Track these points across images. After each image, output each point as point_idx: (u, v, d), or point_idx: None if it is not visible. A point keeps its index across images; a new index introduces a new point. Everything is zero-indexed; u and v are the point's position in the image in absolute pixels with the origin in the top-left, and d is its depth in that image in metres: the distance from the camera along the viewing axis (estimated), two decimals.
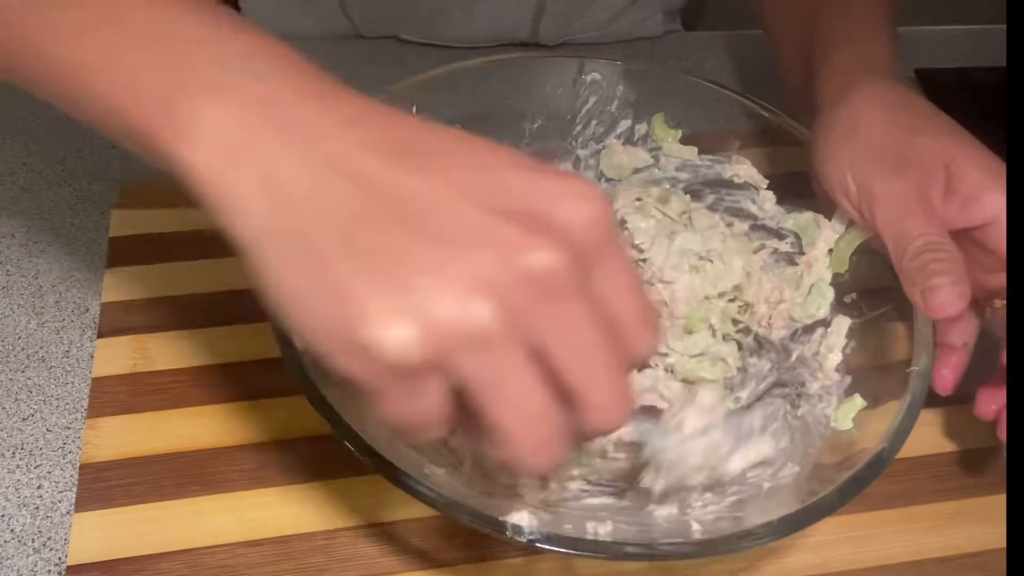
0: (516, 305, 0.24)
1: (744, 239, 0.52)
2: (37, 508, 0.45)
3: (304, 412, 0.45)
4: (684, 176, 0.55)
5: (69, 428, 0.48)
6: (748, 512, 0.40)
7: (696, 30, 0.83)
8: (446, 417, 0.26)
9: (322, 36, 0.74)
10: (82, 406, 0.49)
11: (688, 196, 0.54)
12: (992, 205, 0.41)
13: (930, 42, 0.79)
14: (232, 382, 0.50)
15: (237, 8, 0.73)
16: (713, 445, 0.40)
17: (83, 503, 0.44)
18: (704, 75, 0.54)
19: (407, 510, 0.45)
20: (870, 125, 0.44)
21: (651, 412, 0.44)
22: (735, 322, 0.50)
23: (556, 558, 0.44)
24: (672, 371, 0.48)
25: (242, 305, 0.53)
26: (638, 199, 0.54)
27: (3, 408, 0.49)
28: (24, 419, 0.48)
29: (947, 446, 0.51)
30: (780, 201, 0.52)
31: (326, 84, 0.28)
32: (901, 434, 0.38)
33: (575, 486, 0.44)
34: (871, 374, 0.45)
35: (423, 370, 0.25)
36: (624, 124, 0.55)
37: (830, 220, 0.48)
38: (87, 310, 0.53)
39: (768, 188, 0.53)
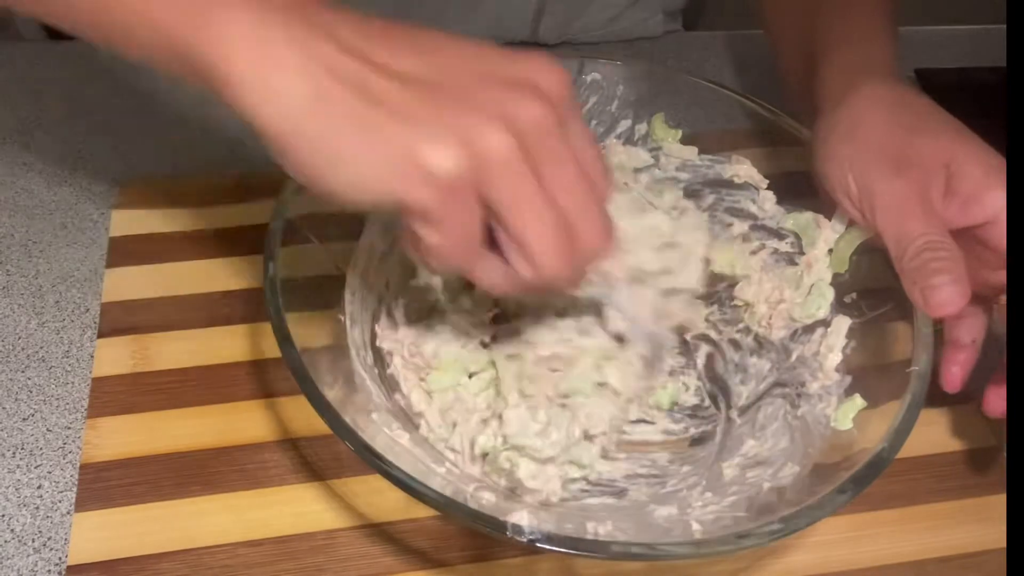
0: (526, 139, 0.30)
1: (734, 249, 0.52)
2: (37, 508, 0.45)
3: (304, 412, 0.45)
4: (684, 176, 0.55)
5: (69, 428, 0.48)
6: (748, 512, 0.40)
7: (696, 30, 0.83)
8: (480, 238, 0.32)
9: None
10: (82, 406, 0.49)
11: (681, 192, 0.54)
12: (993, 203, 0.40)
13: (930, 42, 0.79)
14: (232, 382, 0.50)
15: None
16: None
17: (83, 503, 0.44)
18: (704, 75, 0.54)
19: (407, 510, 0.45)
20: (871, 125, 0.44)
21: None
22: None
23: (556, 558, 0.44)
24: None
25: (242, 305, 0.53)
26: (625, 183, 0.54)
27: (3, 408, 0.49)
28: (24, 419, 0.48)
29: (947, 446, 0.51)
30: (780, 201, 0.52)
31: (331, 3, 0.32)
32: (901, 434, 0.38)
33: (575, 487, 0.44)
34: (871, 374, 0.45)
35: (467, 186, 0.30)
36: (624, 124, 0.55)
37: (830, 220, 0.48)
38: (87, 310, 0.53)
39: (768, 188, 0.53)
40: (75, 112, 0.66)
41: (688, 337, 0.52)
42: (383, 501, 0.45)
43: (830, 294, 0.48)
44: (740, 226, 0.53)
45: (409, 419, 0.45)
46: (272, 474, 0.46)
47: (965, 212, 0.41)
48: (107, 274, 0.54)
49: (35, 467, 0.46)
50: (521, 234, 0.31)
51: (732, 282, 0.53)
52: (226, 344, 0.51)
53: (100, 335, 0.51)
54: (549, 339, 0.46)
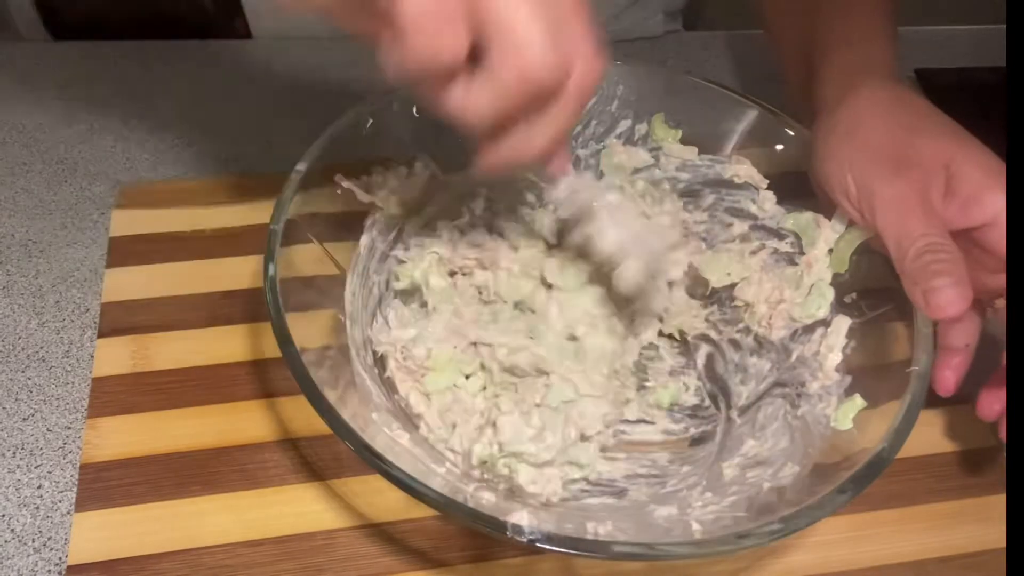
0: None
1: (723, 259, 0.53)
2: (37, 508, 0.45)
3: (304, 412, 0.45)
4: (684, 176, 0.55)
5: (69, 428, 0.48)
6: (748, 512, 0.40)
7: (696, 30, 0.83)
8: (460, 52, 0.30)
9: (323, 36, 0.74)
10: (82, 406, 0.49)
11: (681, 202, 0.54)
12: (992, 205, 0.40)
13: (930, 42, 0.79)
14: (232, 382, 0.50)
15: (239, 8, 0.73)
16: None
17: (83, 503, 0.44)
18: (704, 75, 0.54)
19: (407, 510, 0.45)
20: (870, 126, 0.44)
21: None
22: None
23: (556, 558, 0.44)
24: None
25: (242, 305, 0.53)
26: (621, 186, 0.54)
27: (3, 408, 0.49)
28: (24, 419, 0.48)
29: (947, 446, 0.51)
30: (780, 201, 0.52)
31: None
32: (901, 434, 0.38)
33: (575, 487, 0.44)
34: (871, 374, 0.45)
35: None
36: (624, 124, 0.55)
37: (830, 220, 0.48)
38: (87, 310, 0.53)
39: (768, 188, 0.53)
40: (75, 112, 0.66)
41: (689, 337, 0.52)
42: (383, 501, 0.45)
43: (830, 294, 0.48)
44: (740, 226, 0.53)
45: (409, 419, 0.46)
46: (272, 474, 0.46)
47: (965, 213, 0.41)
48: (107, 274, 0.54)
49: (35, 467, 0.46)
50: (512, 16, 0.29)
51: (732, 282, 0.53)
52: (226, 344, 0.51)
53: (100, 335, 0.51)
54: (504, 342, 0.46)
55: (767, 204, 0.52)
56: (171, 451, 0.47)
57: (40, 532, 0.44)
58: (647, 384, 0.50)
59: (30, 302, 0.54)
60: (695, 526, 0.39)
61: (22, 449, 0.47)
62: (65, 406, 0.49)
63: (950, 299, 0.39)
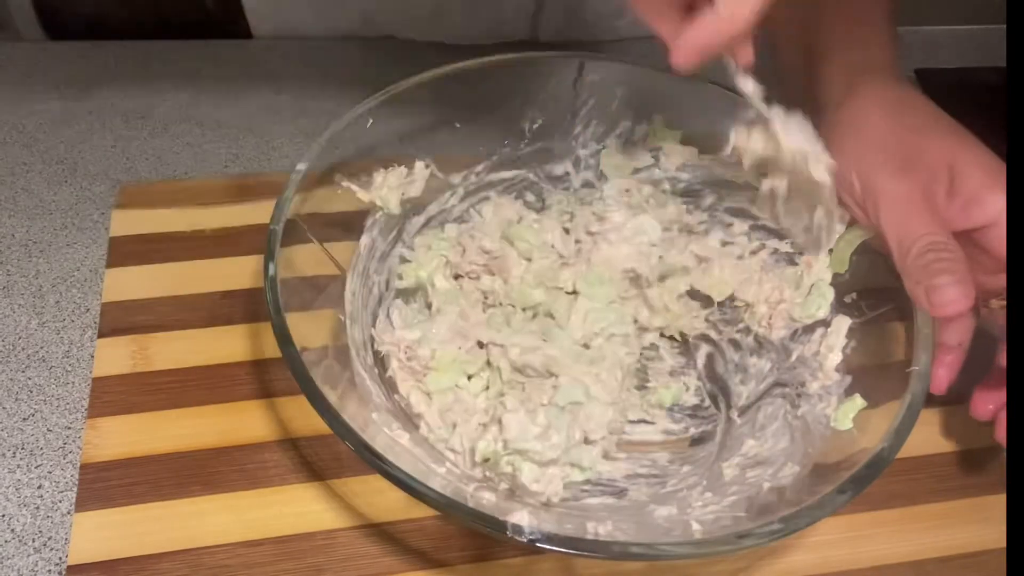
0: None
1: (715, 274, 0.53)
2: (38, 508, 0.45)
3: (304, 412, 0.45)
4: (684, 176, 0.55)
5: (69, 428, 0.48)
6: (748, 512, 0.40)
7: None
8: None
9: (322, 36, 0.74)
10: (82, 406, 0.49)
11: (684, 207, 0.54)
12: (993, 206, 0.40)
13: (930, 42, 0.79)
14: (232, 382, 0.50)
15: (239, 7, 0.73)
16: None
17: (83, 503, 0.44)
18: (704, 75, 0.54)
19: (407, 510, 0.45)
20: (875, 125, 0.44)
21: None
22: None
23: (556, 558, 0.44)
24: None
25: (242, 305, 0.53)
26: (627, 190, 0.54)
27: (4, 408, 0.49)
28: (24, 419, 0.48)
29: (947, 446, 0.51)
30: None
31: None
32: (901, 434, 0.38)
33: (576, 487, 0.44)
34: (871, 374, 0.45)
35: None
36: (624, 124, 0.55)
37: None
38: (87, 310, 0.53)
39: None
40: (75, 112, 0.66)
41: (689, 338, 0.52)
42: (383, 501, 0.45)
43: (830, 294, 0.48)
44: (740, 226, 0.53)
45: (409, 419, 0.46)
46: (272, 474, 0.46)
47: (966, 214, 0.41)
48: (107, 274, 0.54)
49: (35, 467, 0.46)
50: None
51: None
52: (226, 344, 0.51)
53: (100, 335, 0.51)
54: (517, 342, 0.46)
55: None
56: (171, 451, 0.47)
57: (40, 532, 0.44)
58: (648, 384, 0.50)
59: (30, 302, 0.54)
60: (695, 526, 0.39)
61: (22, 449, 0.47)
62: (65, 406, 0.49)
63: (953, 297, 0.39)
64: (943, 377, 0.44)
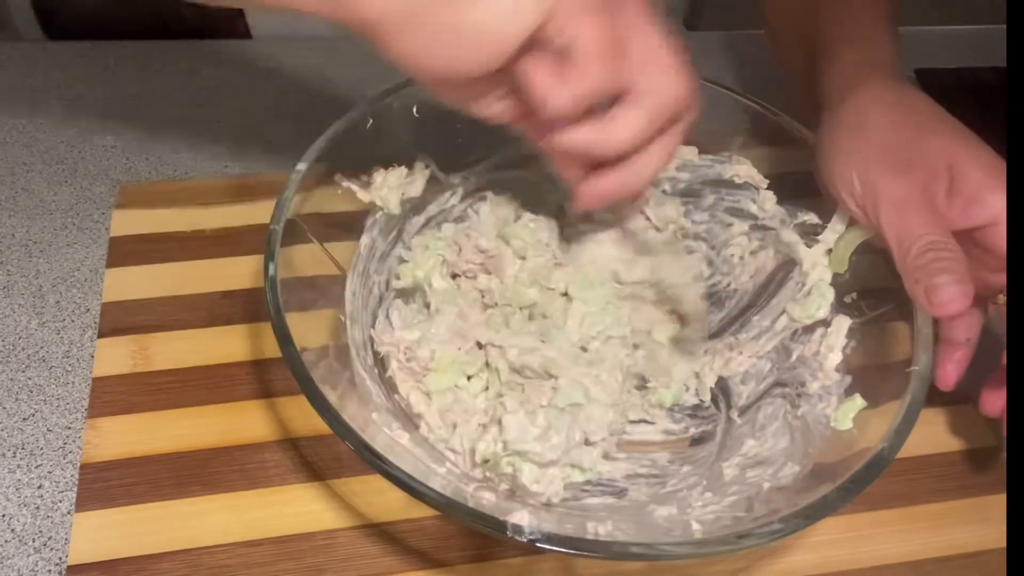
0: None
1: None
2: (38, 508, 0.45)
3: (304, 412, 0.45)
4: (684, 176, 0.55)
5: (69, 428, 0.48)
6: (748, 512, 0.40)
7: (696, 30, 0.83)
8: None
9: (322, 36, 0.74)
10: (82, 406, 0.49)
11: (683, 208, 0.54)
12: (994, 205, 0.40)
13: (930, 42, 0.79)
14: (232, 382, 0.50)
15: (239, 8, 0.73)
16: None
17: (83, 503, 0.44)
18: (704, 75, 0.54)
19: (407, 510, 0.45)
20: (875, 124, 0.44)
21: None
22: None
23: (556, 558, 0.44)
24: None
25: (242, 305, 0.53)
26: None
27: (4, 408, 0.49)
28: (25, 419, 0.48)
29: (947, 446, 0.51)
30: (780, 201, 0.52)
31: None
32: (901, 434, 0.38)
33: (576, 487, 0.44)
34: (871, 374, 0.45)
35: (545, 27, 0.33)
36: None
37: (830, 220, 0.48)
38: (87, 310, 0.53)
39: (768, 188, 0.53)
40: (75, 112, 0.66)
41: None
42: (383, 501, 0.45)
43: (830, 294, 0.48)
44: (740, 226, 0.53)
45: (409, 419, 0.46)
46: (272, 474, 0.46)
47: (966, 213, 0.41)
48: (107, 274, 0.54)
49: (35, 467, 0.46)
50: (660, 50, 0.36)
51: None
52: (226, 344, 0.51)
53: (100, 335, 0.51)
54: (515, 343, 0.46)
55: (767, 204, 0.52)
56: (171, 451, 0.47)
57: (40, 532, 0.44)
58: (648, 384, 0.50)
59: (30, 302, 0.54)
60: (695, 526, 0.39)
61: (22, 449, 0.47)
62: (65, 406, 0.49)
63: (952, 296, 0.39)
64: (951, 373, 0.44)
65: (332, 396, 0.37)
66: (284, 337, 0.38)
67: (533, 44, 0.34)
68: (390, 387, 0.46)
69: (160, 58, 0.71)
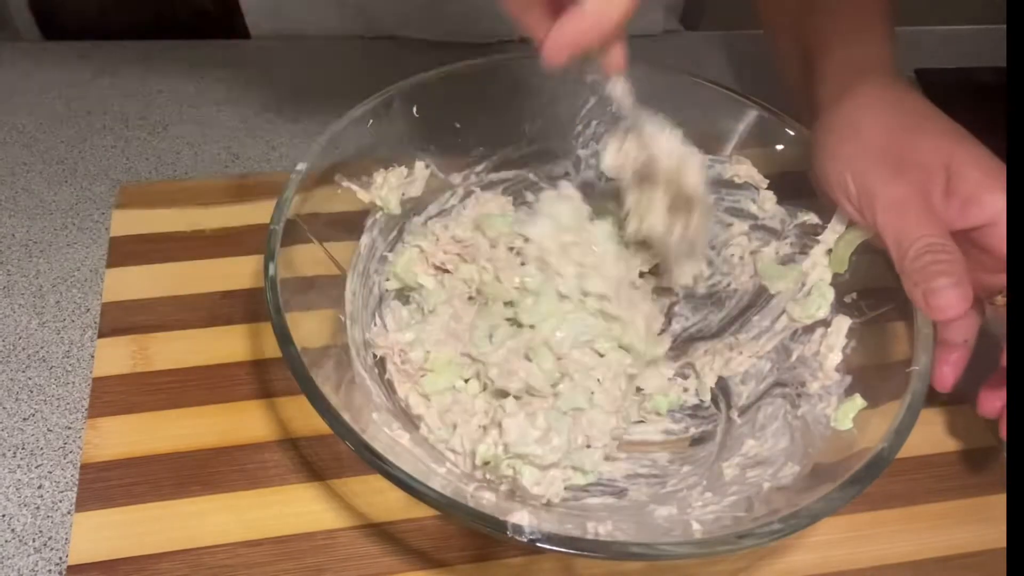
0: None
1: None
2: (38, 508, 0.45)
3: (304, 412, 0.45)
4: None
5: (70, 428, 0.48)
6: (748, 512, 0.40)
7: (696, 30, 0.83)
8: None
9: (322, 36, 0.74)
10: (82, 406, 0.49)
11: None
12: (991, 206, 0.40)
13: (930, 42, 0.79)
14: (232, 382, 0.50)
15: (238, 8, 0.73)
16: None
17: (83, 503, 0.44)
18: (704, 75, 0.54)
19: (407, 510, 0.45)
20: (870, 125, 0.44)
21: None
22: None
23: (556, 558, 0.44)
24: None
25: (242, 305, 0.53)
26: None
27: (4, 408, 0.49)
28: (25, 419, 0.48)
29: (947, 446, 0.51)
30: (780, 201, 0.52)
31: None
32: (901, 434, 0.38)
33: (576, 487, 0.44)
34: (871, 374, 0.45)
35: None
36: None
37: (830, 220, 0.48)
38: (87, 310, 0.53)
39: (768, 188, 0.53)
40: (75, 112, 0.66)
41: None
42: (383, 501, 0.45)
43: (830, 294, 0.48)
44: (740, 226, 0.53)
45: (409, 419, 0.46)
46: (272, 474, 0.46)
47: (964, 214, 0.41)
48: (107, 274, 0.54)
49: (36, 467, 0.46)
50: None
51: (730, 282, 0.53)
52: (226, 344, 0.51)
53: (100, 335, 0.51)
54: (496, 362, 0.46)
55: (767, 204, 0.52)
56: (171, 451, 0.47)
57: (40, 532, 0.44)
58: (642, 391, 0.50)
59: (30, 302, 0.54)
60: (695, 526, 0.39)
61: (22, 449, 0.47)
62: (65, 406, 0.49)
63: (950, 300, 0.39)
64: (948, 375, 0.44)
65: (332, 396, 0.37)
66: (284, 337, 0.39)
67: None
68: (390, 387, 0.47)
69: (160, 58, 0.71)
